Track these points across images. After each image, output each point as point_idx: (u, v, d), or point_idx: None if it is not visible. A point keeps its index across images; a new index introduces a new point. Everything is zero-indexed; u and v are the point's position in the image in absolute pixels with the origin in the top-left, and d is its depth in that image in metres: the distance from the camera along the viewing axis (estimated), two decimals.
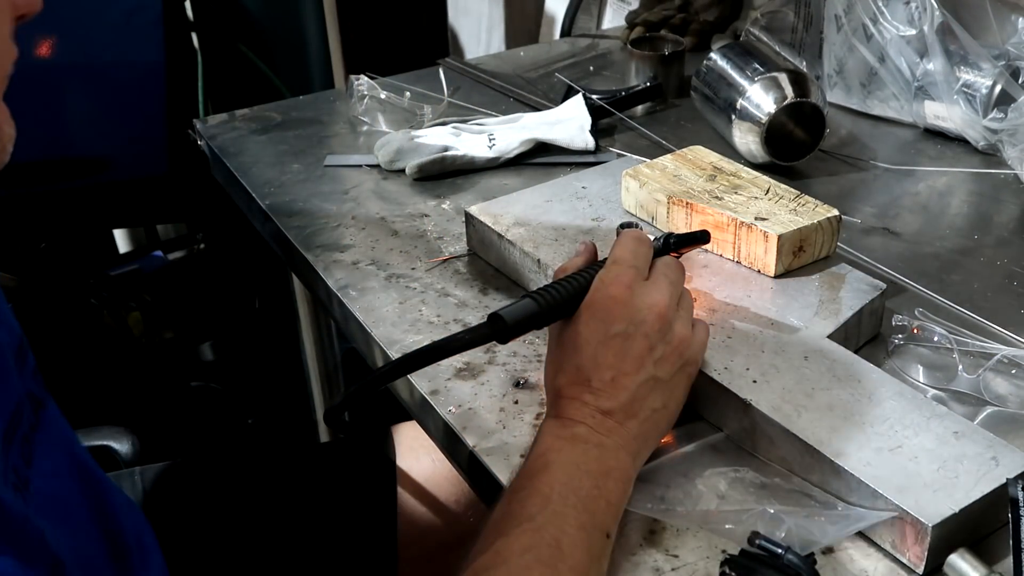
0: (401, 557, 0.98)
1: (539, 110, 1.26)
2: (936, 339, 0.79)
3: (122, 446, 1.12)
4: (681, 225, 0.88)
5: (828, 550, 0.61)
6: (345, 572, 0.96)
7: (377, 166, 1.15)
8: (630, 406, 0.64)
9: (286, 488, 1.01)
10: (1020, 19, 1.11)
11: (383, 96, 1.28)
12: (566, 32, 1.71)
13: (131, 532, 0.76)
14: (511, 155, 1.14)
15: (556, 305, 0.67)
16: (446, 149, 1.13)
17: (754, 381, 0.69)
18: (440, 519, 0.99)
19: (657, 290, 0.67)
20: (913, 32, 1.14)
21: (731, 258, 0.85)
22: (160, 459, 1.04)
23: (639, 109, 1.28)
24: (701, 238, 0.74)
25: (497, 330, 0.66)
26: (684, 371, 0.67)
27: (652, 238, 0.73)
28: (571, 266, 0.72)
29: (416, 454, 1.01)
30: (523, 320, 0.66)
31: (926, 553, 0.58)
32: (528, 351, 0.81)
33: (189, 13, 1.85)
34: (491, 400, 0.76)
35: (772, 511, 0.61)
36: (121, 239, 2.15)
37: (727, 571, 0.57)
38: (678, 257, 0.73)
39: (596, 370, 0.64)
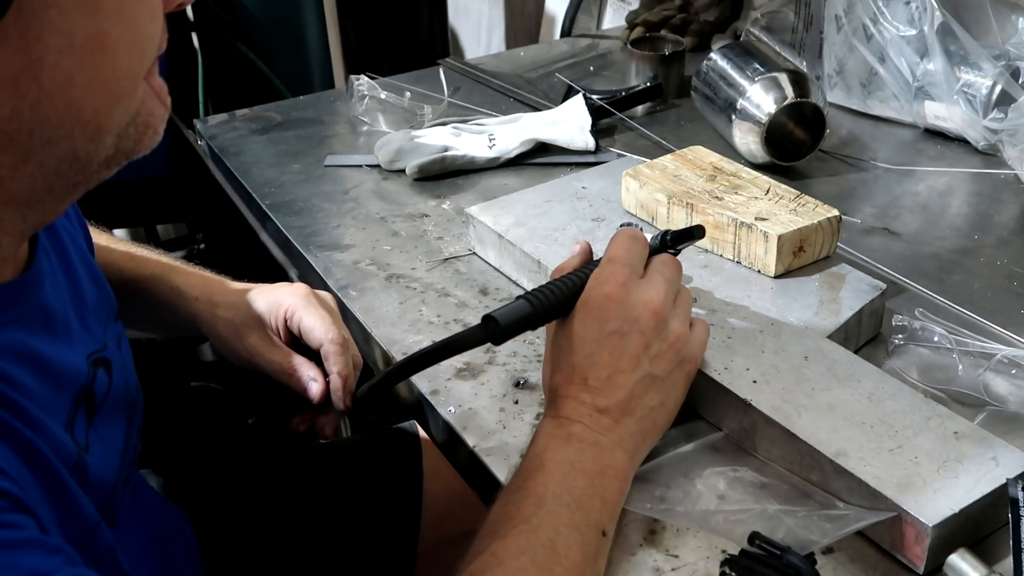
0: (423, 538, 0.97)
1: (539, 110, 1.26)
2: (936, 339, 0.79)
3: None
4: (681, 225, 0.88)
5: (828, 550, 0.61)
6: (365, 549, 0.96)
7: (377, 166, 1.15)
8: (627, 404, 0.64)
9: (315, 470, 1.00)
10: (1020, 19, 1.11)
11: (383, 96, 1.27)
12: (566, 32, 1.72)
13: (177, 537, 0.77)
14: (511, 155, 1.14)
15: (550, 306, 0.67)
16: (446, 149, 1.13)
17: (754, 381, 0.69)
18: (466, 507, 0.99)
19: (652, 287, 0.66)
20: (913, 32, 1.14)
21: (731, 258, 0.85)
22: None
23: (639, 109, 1.28)
24: (696, 234, 0.74)
25: (491, 332, 0.66)
26: (682, 368, 0.67)
27: (649, 237, 0.73)
28: (567, 266, 0.72)
29: None
30: (517, 322, 0.66)
31: (926, 553, 0.58)
32: (528, 351, 0.81)
33: (189, 13, 1.85)
34: (491, 400, 0.76)
35: (772, 511, 0.61)
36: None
37: (727, 571, 0.57)
38: (676, 255, 0.73)
39: (592, 368, 0.64)
